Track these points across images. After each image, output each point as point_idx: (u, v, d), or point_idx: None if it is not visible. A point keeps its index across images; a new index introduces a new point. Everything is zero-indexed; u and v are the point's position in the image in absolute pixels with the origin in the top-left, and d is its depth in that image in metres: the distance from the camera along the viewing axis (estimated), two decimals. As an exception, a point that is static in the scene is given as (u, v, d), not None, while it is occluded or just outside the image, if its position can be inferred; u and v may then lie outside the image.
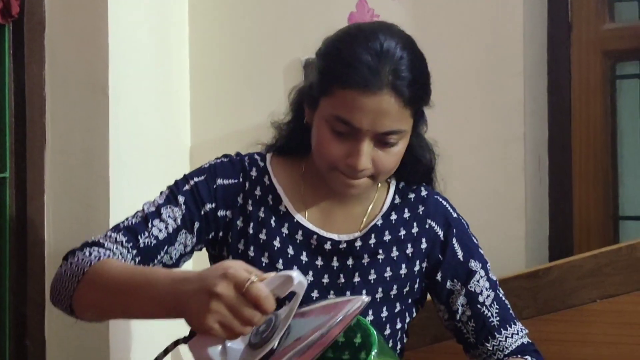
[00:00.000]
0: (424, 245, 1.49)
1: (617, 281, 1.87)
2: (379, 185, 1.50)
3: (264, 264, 1.42)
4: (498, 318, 1.49)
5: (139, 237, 1.38)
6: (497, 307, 1.50)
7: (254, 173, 1.48)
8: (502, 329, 1.49)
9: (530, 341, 1.53)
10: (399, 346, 1.51)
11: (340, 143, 1.34)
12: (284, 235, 1.44)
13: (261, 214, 1.45)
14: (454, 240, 1.50)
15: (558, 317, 1.92)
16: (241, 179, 1.47)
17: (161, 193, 1.46)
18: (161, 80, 2.26)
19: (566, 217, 2.20)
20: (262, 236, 1.44)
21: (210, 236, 1.46)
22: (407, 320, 1.51)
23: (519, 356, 1.48)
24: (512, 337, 1.49)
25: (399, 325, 1.48)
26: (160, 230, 1.40)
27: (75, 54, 2.01)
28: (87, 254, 1.33)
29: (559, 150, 2.20)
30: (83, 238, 2.00)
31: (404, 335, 1.53)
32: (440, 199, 1.54)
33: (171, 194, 1.44)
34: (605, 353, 1.88)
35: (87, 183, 2.00)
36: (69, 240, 2.03)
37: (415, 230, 1.49)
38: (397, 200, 1.51)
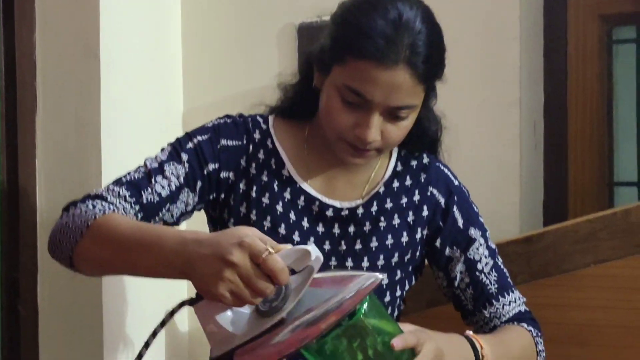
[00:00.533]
0: (425, 213, 1.48)
1: (611, 246, 1.87)
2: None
3: (265, 228, 1.40)
4: (496, 286, 1.49)
5: (142, 192, 1.35)
6: (496, 275, 1.50)
7: (257, 135, 1.46)
8: (500, 297, 1.49)
9: (527, 309, 1.53)
10: (396, 313, 1.51)
11: (349, 113, 1.32)
12: (286, 200, 1.43)
13: (264, 178, 1.43)
14: (455, 208, 1.49)
15: (552, 282, 1.91)
16: (245, 141, 1.45)
17: (162, 149, 1.43)
18: (153, 44, 2.24)
19: (561, 183, 2.20)
20: (265, 200, 1.42)
21: (212, 197, 1.44)
22: (407, 287, 1.51)
23: (516, 323, 1.48)
24: (509, 304, 1.49)
25: (398, 293, 1.48)
26: (163, 188, 1.37)
27: (66, 18, 1.99)
28: (90, 206, 1.30)
29: (555, 115, 2.19)
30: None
31: (402, 303, 1.53)
32: (442, 167, 1.53)
33: (174, 151, 1.41)
34: (599, 317, 1.88)
35: (79, 148, 1.99)
36: (61, 206, 2.03)
37: (417, 197, 1.48)
38: (399, 168, 1.50)
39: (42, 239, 1.98)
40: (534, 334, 1.49)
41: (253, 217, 1.41)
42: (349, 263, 1.42)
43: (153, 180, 1.37)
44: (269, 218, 1.41)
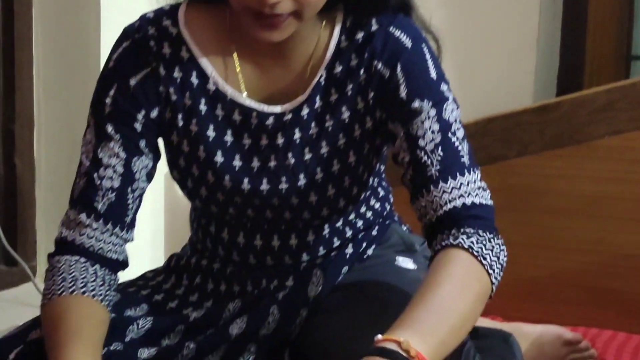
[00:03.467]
0: (371, 95, 1.21)
1: (629, 117, 1.82)
2: (322, 26, 1.21)
3: (200, 159, 1.22)
4: (438, 167, 1.16)
5: (95, 204, 1.20)
6: (442, 153, 1.17)
7: (166, 50, 1.21)
8: (440, 181, 1.16)
9: (476, 201, 1.16)
10: (377, 205, 1.32)
11: None
12: (218, 119, 1.21)
13: (187, 101, 1.22)
14: (400, 76, 1.19)
15: (564, 153, 1.87)
16: (154, 64, 1.21)
17: (88, 126, 1.23)
18: None
19: (578, 54, 2.14)
20: (193, 127, 1.22)
21: (159, 140, 1.26)
22: (372, 177, 1.28)
23: (456, 239, 1.12)
24: (450, 191, 1.16)
25: (368, 189, 1.28)
26: (111, 179, 1.20)
27: None
28: (53, 281, 1.17)
29: (576, -17, 2.11)
30: (73, 58, 1.96)
31: (379, 191, 1.33)
32: (394, 29, 1.19)
33: (98, 127, 1.21)
34: (611, 189, 1.84)
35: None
36: (58, 57, 1.99)
37: (362, 78, 1.21)
38: (344, 44, 1.22)
39: (39, 89, 1.96)
40: (486, 263, 1.11)
41: (185, 147, 1.22)
42: (302, 180, 1.21)
43: (97, 180, 1.20)
44: (201, 147, 1.22)
